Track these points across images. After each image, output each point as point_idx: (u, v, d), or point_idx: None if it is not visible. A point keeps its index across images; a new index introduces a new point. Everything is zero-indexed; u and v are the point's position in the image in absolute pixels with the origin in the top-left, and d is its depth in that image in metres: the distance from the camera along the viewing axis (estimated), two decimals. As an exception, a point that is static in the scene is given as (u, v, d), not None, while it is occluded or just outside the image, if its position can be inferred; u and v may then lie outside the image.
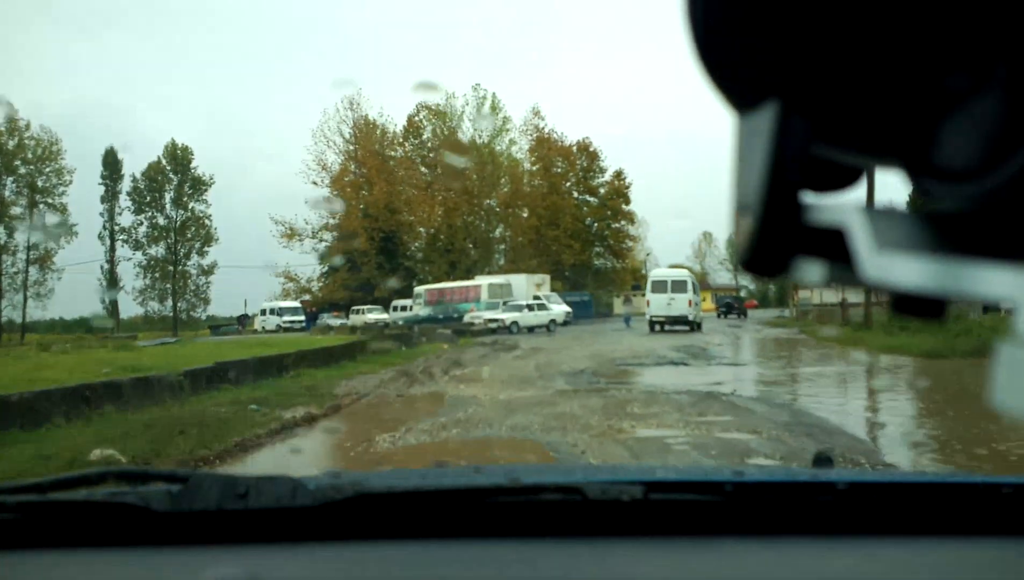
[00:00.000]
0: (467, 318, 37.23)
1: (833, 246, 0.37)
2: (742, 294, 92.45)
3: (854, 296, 39.90)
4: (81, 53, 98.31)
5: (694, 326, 29.21)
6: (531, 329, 34.69)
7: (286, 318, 50.56)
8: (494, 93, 60.60)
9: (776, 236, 0.38)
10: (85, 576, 1.18)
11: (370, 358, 17.26)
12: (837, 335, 23.79)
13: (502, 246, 62.48)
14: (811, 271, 0.39)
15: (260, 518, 1.19)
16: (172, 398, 10.41)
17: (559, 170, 63.55)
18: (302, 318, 50.13)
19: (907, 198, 0.38)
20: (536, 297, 40.51)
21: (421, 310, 43.14)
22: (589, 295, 55.15)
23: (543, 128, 62.51)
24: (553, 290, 50.71)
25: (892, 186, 0.40)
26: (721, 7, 0.38)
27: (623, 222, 66.74)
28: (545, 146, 62.15)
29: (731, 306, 48.41)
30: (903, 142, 0.40)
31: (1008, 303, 0.32)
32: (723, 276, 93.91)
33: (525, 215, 59.59)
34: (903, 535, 1.16)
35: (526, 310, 35.41)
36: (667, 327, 29.40)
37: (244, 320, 57.51)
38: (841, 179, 0.43)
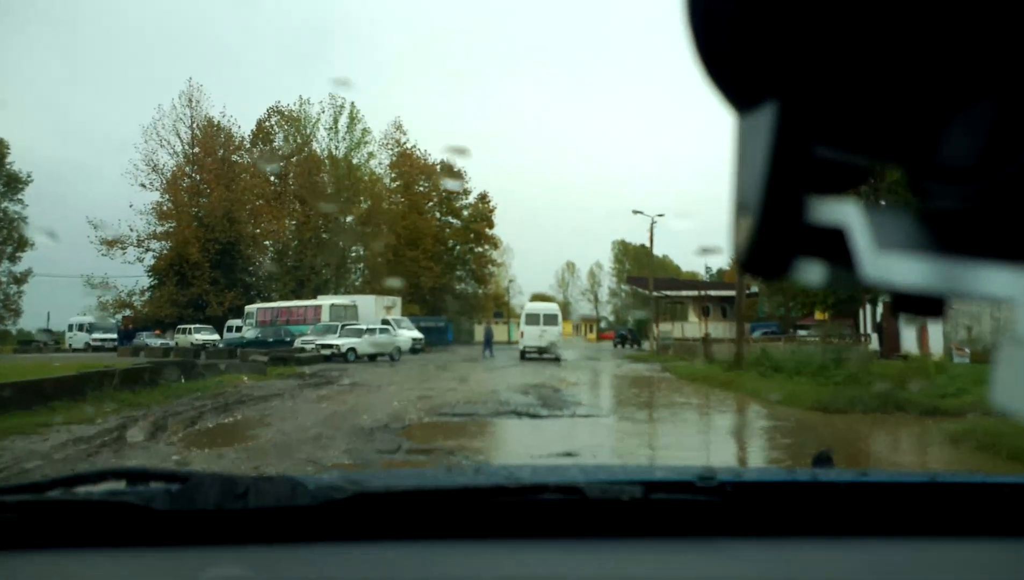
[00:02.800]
0: (298, 342, 32.27)
1: (833, 246, 0.37)
2: (602, 325, 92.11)
3: (726, 331, 38.00)
4: None
5: (557, 356, 31.02)
6: (372, 357, 30.18)
7: (96, 335, 43.68)
8: (352, 103, 55.95)
9: (776, 236, 0.37)
10: (85, 576, 1.17)
11: (108, 396, 12.43)
12: (704, 374, 20.76)
13: (359, 265, 57.63)
14: (811, 271, 0.38)
15: (260, 518, 1.18)
16: None
17: (422, 189, 59.62)
18: (114, 335, 43.35)
19: (907, 198, 0.40)
20: (385, 321, 36.06)
21: (248, 332, 37.65)
22: (446, 320, 51.11)
23: (405, 143, 58.43)
24: (411, 314, 46.49)
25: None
26: (721, 7, 0.37)
27: (486, 246, 63.48)
28: (407, 162, 58.06)
29: (625, 337, 49.66)
30: (903, 142, 0.39)
31: (1008, 303, 0.32)
32: (584, 306, 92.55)
33: (384, 232, 55.08)
34: (903, 535, 1.15)
35: (366, 335, 30.82)
36: (531, 356, 31.22)
37: (50, 336, 49.67)
38: (841, 179, 0.42)
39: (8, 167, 55.91)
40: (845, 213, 0.37)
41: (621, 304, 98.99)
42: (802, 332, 33.63)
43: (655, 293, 40.94)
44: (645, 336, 43.21)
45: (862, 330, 28.33)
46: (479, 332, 61.68)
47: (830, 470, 1.52)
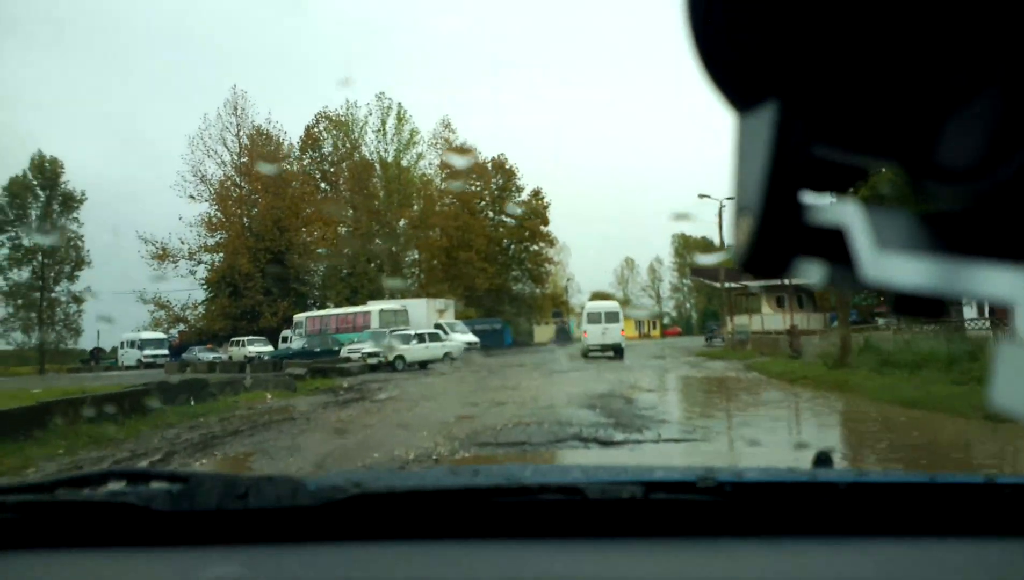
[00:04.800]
0: (344, 352, 29.64)
1: (833, 246, 0.36)
2: (665, 321, 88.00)
3: (808, 322, 34.03)
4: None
5: (620, 353, 30.42)
6: (422, 365, 27.34)
7: (147, 352, 42.07)
8: (400, 103, 53.52)
9: (776, 236, 0.37)
10: (85, 576, 1.15)
11: (74, 430, 9.72)
12: (802, 373, 17.15)
13: (413, 270, 55.18)
14: (811, 271, 0.38)
15: (260, 518, 1.17)
16: None
17: (473, 188, 56.87)
18: (165, 351, 41.61)
19: (907, 198, 0.40)
20: (437, 325, 33.26)
21: (295, 342, 35.25)
22: (502, 322, 48.08)
23: (455, 142, 55.71)
24: (467, 317, 43.72)
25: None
26: (721, 7, 0.37)
27: (542, 244, 60.32)
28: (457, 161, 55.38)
29: (713, 332, 46.18)
30: (903, 142, 0.39)
31: (1008, 303, 0.31)
32: (645, 302, 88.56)
33: (436, 234, 52.48)
34: (904, 535, 1.14)
35: (415, 341, 27.97)
36: (594, 355, 30.60)
37: (98, 354, 48.36)
38: (841, 179, 0.41)
39: (63, 186, 55.26)
40: (845, 213, 0.36)
41: (683, 298, 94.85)
42: (881, 320, 29.57)
43: (727, 284, 37.11)
44: (708, 330, 39.99)
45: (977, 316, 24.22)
46: (539, 333, 58.93)
47: (830, 470, 1.51)
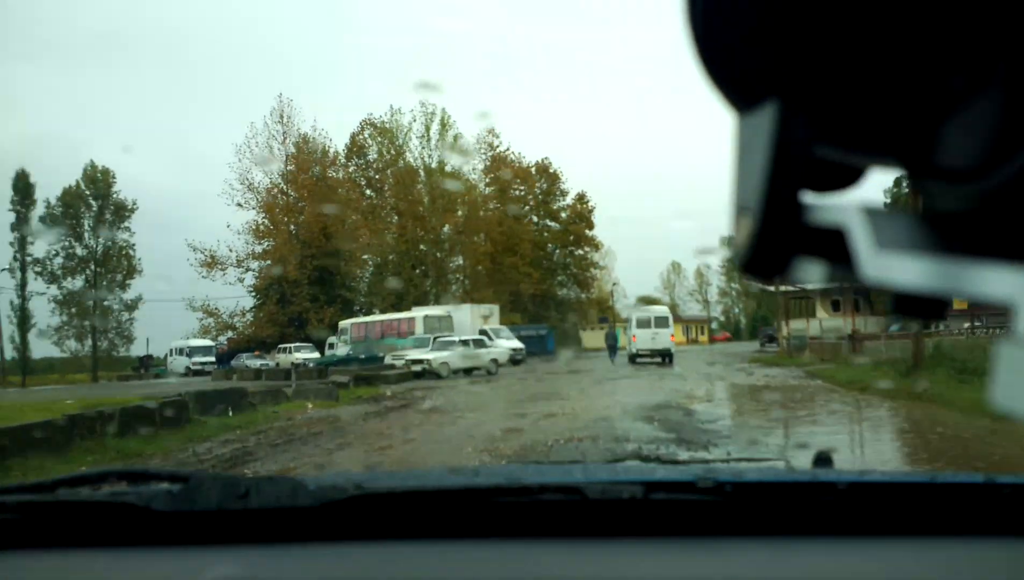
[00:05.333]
0: (389, 358, 29.06)
1: (833, 246, 0.36)
2: (713, 326, 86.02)
3: (866, 326, 32.46)
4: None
5: (670, 359, 30.22)
6: (467, 371, 26.60)
7: (196, 359, 42.12)
8: (444, 109, 53.03)
9: (776, 236, 0.36)
10: (85, 576, 1.15)
11: (102, 445, 9.16)
12: (870, 379, 15.90)
13: (458, 276, 54.66)
14: (811, 271, 0.38)
15: (260, 518, 1.16)
16: None
17: (517, 193, 56.14)
18: (213, 358, 41.61)
19: (907, 198, 0.40)
20: (482, 331, 32.52)
21: (340, 349, 34.82)
22: (548, 328, 47.09)
23: (498, 147, 55.05)
24: (511, 323, 42.92)
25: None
26: (721, 7, 0.37)
27: (587, 249, 59.28)
28: (501, 167, 54.69)
29: (772, 337, 43.85)
30: (903, 142, 0.39)
31: (1008, 303, 0.31)
32: (692, 307, 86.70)
33: (480, 240, 51.89)
34: (903, 535, 1.13)
35: (459, 348, 27.22)
36: (643, 361, 30.50)
37: (148, 362, 48.67)
38: (841, 179, 0.42)
39: (115, 196, 56.11)
40: (845, 213, 0.36)
41: (731, 303, 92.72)
42: (942, 325, 27.91)
43: (782, 287, 35.68)
44: (756, 336, 38.46)
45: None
46: (585, 339, 57.93)
47: (830, 470, 1.50)
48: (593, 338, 55.89)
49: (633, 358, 30.89)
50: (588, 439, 9.20)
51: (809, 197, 0.37)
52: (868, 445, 9.16)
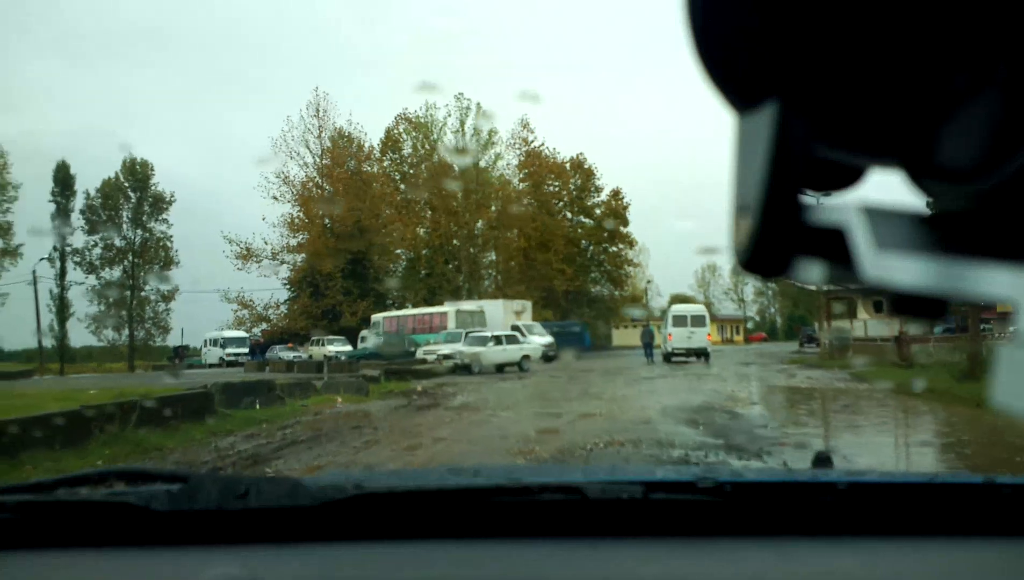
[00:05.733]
0: (420, 353, 28.66)
1: (833, 246, 0.36)
2: (748, 326, 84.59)
3: (914, 328, 31.28)
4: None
5: (706, 358, 29.86)
6: (499, 367, 26.09)
7: (230, 350, 42.21)
8: (479, 103, 52.57)
9: (776, 236, 0.36)
10: (85, 576, 1.15)
11: (121, 437, 8.78)
12: (925, 387, 15.03)
13: (491, 271, 54.22)
14: (811, 271, 0.38)
15: (260, 518, 1.16)
16: None
17: (551, 188, 55.48)
18: (247, 350, 41.60)
19: (907, 198, 0.41)
20: (514, 327, 31.97)
21: (371, 342, 34.50)
22: (581, 325, 46.38)
23: (533, 142, 54.43)
24: (544, 319, 42.32)
25: (892, 186, 0.38)
26: (721, 7, 0.37)
27: (621, 245, 58.41)
28: (535, 162, 54.06)
29: (813, 338, 43.04)
30: (903, 142, 0.39)
31: (1008, 303, 0.31)
32: (727, 306, 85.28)
33: (514, 235, 51.37)
34: (903, 535, 1.13)
35: (492, 343, 26.68)
36: (679, 360, 30.11)
37: (182, 352, 48.94)
38: (841, 179, 0.42)
39: (153, 188, 56.55)
40: (845, 213, 0.36)
41: (768, 303, 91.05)
42: (987, 326, 26.66)
43: (825, 286, 34.60)
44: (795, 336, 37.36)
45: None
46: (617, 337, 57.12)
47: (830, 470, 1.48)
48: (625, 336, 55.08)
49: (668, 357, 30.24)
50: (629, 444, 8.59)
51: (809, 197, 0.37)
52: (948, 450, 8.41)
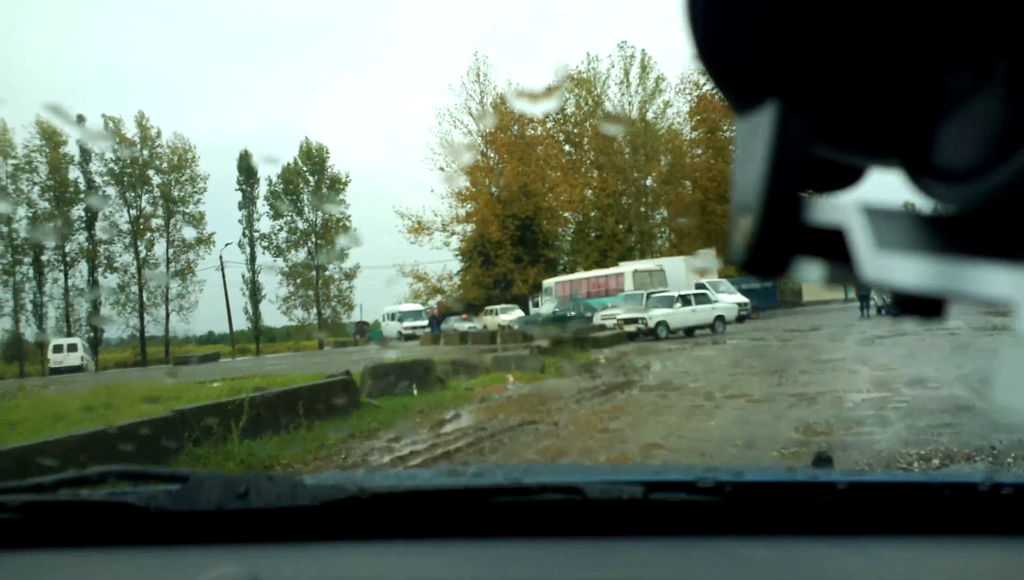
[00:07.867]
0: (598, 318, 25.71)
1: (833, 246, 0.36)
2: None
3: None
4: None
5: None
6: (689, 331, 22.66)
7: (407, 324, 41.34)
8: (643, 50, 48.30)
9: (776, 236, 0.36)
10: (85, 576, 1.15)
11: (224, 451, 6.54)
12: None
13: (664, 229, 50.22)
14: (811, 271, 0.38)
15: (260, 518, 1.15)
16: None
17: (727, 134, 50.28)
18: (425, 323, 40.48)
19: (907, 198, 0.41)
20: (700, 285, 28.22)
21: (544, 308, 31.95)
22: (772, 281, 41.37)
23: (704, 85, 49.33)
24: (726, 276, 38.16)
25: (892, 186, 0.39)
26: (721, 7, 0.36)
27: (809, 191, 52.14)
28: (708, 107, 49.08)
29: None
30: (903, 142, 0.38)
31: (1008, 303, 0.31)
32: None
33: (688, 189, 47.04)
34: (903, 535, 1.12)
35: (679, 304, 23.26)
36: (897, 313, 23.00)
37: (362, 328, 48.98)
38: (841, 179, 0.41)
39: (329, 170, 57.32)
40: (845, 213, 0.36)
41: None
42: None
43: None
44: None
45: None
46: (808, 292, 51.26)
47: (830, 470, 1.47)
48: (817, 291, 49.18)
49: (881, 310, 25.11)
50: (933, 452, 5.15)
51: (809, 197, 0.37)
52: None
